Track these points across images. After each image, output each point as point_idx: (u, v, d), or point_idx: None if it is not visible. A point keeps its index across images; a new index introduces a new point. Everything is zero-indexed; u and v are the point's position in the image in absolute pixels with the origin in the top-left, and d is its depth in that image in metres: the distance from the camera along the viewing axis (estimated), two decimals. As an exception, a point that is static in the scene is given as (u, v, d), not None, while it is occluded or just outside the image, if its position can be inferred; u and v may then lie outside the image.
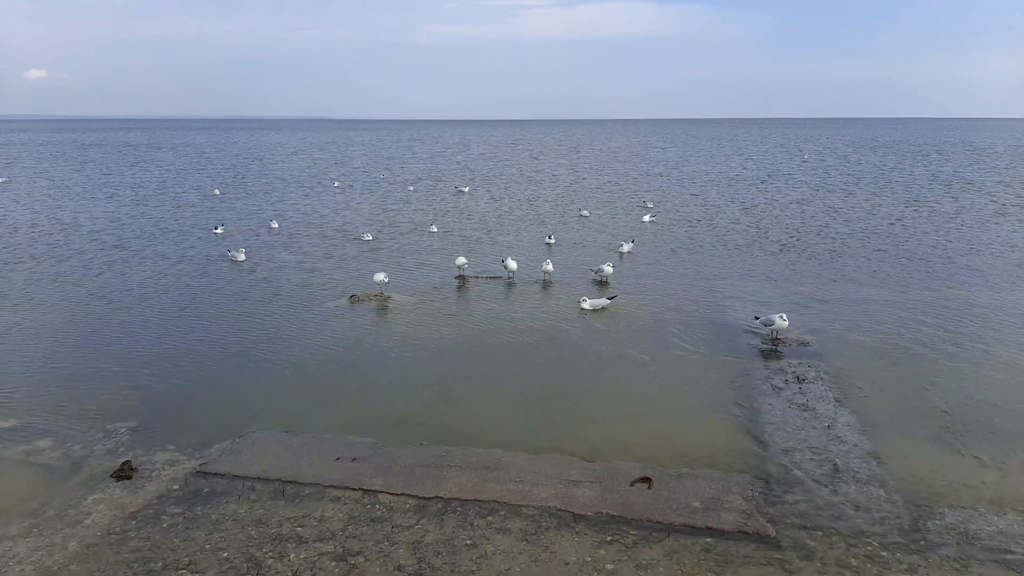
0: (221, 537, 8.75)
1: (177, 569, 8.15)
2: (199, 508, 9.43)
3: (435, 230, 31.18)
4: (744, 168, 66.69)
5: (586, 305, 18.49)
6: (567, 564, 8.16)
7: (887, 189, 47.26)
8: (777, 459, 10.66)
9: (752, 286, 21.56)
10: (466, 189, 49.06)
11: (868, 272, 23.33)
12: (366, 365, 15.15)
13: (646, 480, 9.95)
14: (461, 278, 22.59)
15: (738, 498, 9.49)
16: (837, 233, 30.63)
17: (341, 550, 8.44)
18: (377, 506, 9.42)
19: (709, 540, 8.60)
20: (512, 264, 22.19)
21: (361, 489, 9.81)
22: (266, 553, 8.41)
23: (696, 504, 9.35)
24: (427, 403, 13.09)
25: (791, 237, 29.76)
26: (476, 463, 10.53)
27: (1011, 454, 10.88)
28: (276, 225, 32.27)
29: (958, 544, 8.51)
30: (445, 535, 8.72)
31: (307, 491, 9.82)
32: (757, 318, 16.54)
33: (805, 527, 8.88)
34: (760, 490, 9.74)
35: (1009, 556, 8.29)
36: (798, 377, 13.91)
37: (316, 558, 8.30)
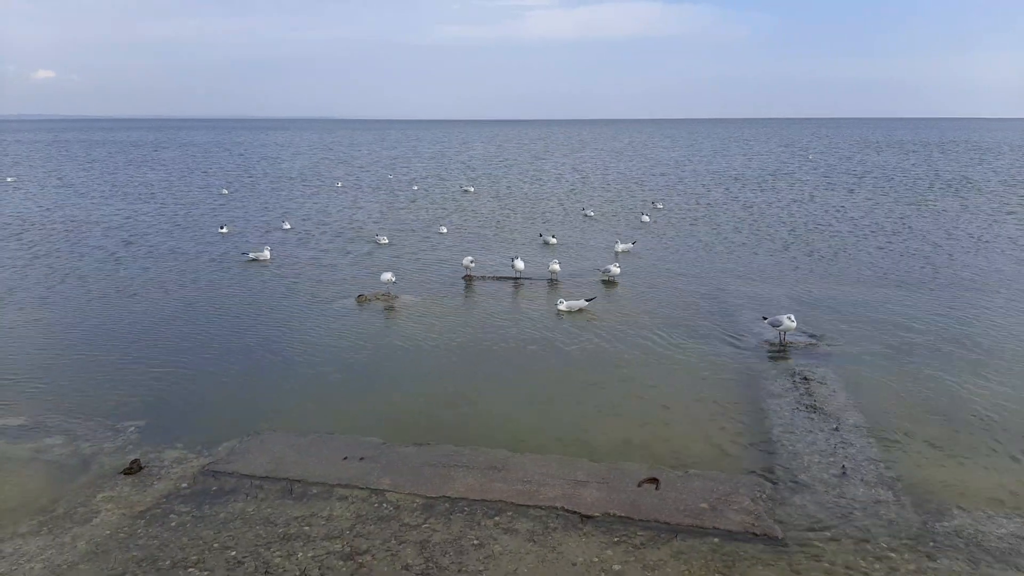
0: (229, 536, 8.78)
1: (185, 568, 8.17)
2: (207, 507, 9.46)
3: (444, 231, 31.10)
4: (748, 168, 66.57)
5: (562, 307, 18.33)
6: (574, 565, 8.16)
7: (892, 189, 47.12)
8: (785, 460, 10.64)
9: (759, 286, 21.52)
10: (471, 188, 49.16)
11: (875, 273, 23.26)
12: (373, 365, 15.18)
13: (653, 481, 9.94)
14: (468, 278, 22.60)
15: (746, 499, 9.48)
16: (843, 233, 30.54)
17: (349, 549, 8.46)
18: (384, 505, 9.43)
19: (717, 541, 8.59)
20: (520, 264, 22.19)
21: (369, 488, 9.83)
22: (274, 552, 8.44)
23: (703, 505, 9.33)
24: (434, 403, 13.11)
25: (797, 237, 29.69)
26: (483, 463, 10.53)
27: (1021, 456, 10.83)
28: (288, 226, 32.05)
29: (967, 546, 8.48)
30: (452, 535, 8.73)
31: (315, 490, 9.85)
32: (765, 319, 16.50)
33: (813, 528, 8.86)
34: (768, 491, 9.73)
35: (1019, 559, 8.25)
36: (806, 378, 13.87)
37: (324, 557, 8.32)
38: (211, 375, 14.54)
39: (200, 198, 44.80)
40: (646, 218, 34.58)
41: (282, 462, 10.64)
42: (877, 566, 8.11)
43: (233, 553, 8.43)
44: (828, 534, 8.73)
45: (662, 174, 62.13)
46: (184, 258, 26.23)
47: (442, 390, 13.73)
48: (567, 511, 9.21)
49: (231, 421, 12.24)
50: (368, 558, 8.29)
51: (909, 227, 32.08)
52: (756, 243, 28.66)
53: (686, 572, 8.01)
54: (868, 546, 8.47)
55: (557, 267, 22.15)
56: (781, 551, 8.38)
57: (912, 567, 8.09)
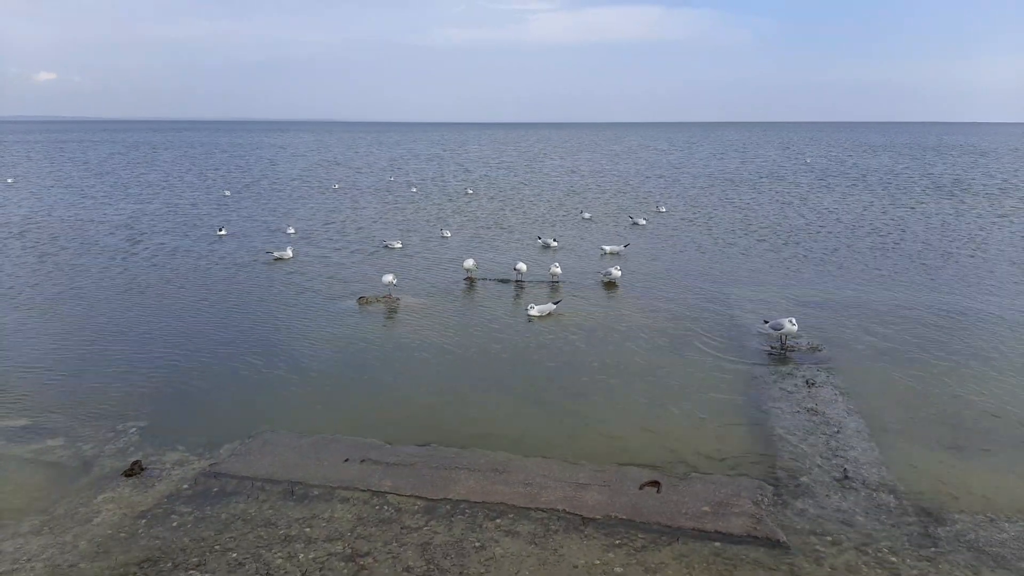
0: (230, 537, 8.78)
1: (186, 569, 8.17)
2: (208, 508, 9.46)
3: (448, 235, 31.02)
4: (746, 171, 66.59)
5: (534, 312, 18.24)
6: (576, 567, 8.15)
7: (889, 192, 47.13)
8: (787, 463, 10.63)
9: (760, 289, 21.51)
10: (471, 191, 49.25)
11: (877, 276, 23.25)
12: (375, 367, 15.18)
13: (655, 484, 9.94)
14: (469, 280, 22.61)
15: (747, 502, 9.47)
16: (842, 236, 30.53)
17: (350, 551, 8.46)
18: (386, 507, 9.43)
19: (718, 544, 8.58)
20: (521, 266, 22.22)
21: (370, 490, 9.83)
22: (275, 553, 8.43)
23: (705, 508, 9.33)
24: (435, 405, 13.11)
25: (797, 240, 29.68)
26: (485, 465, 10.53)
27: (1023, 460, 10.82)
28: (292, 230, 31.41)
29: (969, 550, 8.47)
30: (454, 537, 8.73)
31: (316, 492, 9.84)
32: (766, 322, 16.50)
33: (815, 532, 8.85)
34: (769, 494, 9.72)
35: (1022, 563, 8.24)
36: (807, 381, 13.87)
37: (325, 559, 8.31)
38: (212, 377, 14.54)
39: (201, 199, 44.84)
40: (642, 221, 34.63)
41: (283, 464, 10.64)
42: (879, 570, 8.10)
43: (234, 554, 8.42)
44: (830, 538, 8.72)
45: (660, 176, 62.35)
46: (184, 260, 26.24)
47: (443, 392, 13.73)
48: (568, 513, 9.21)
49: (232, 423, 12.24)
50: (369, 560, 8.29)
51: (908, 230, 32.08)
52: (756, 246, 28.66)
53: (687, 575, 8.00)
54: (870, 550, 8.46)
55: (558, 269, 22.16)
56: (783, 555, 8.37)
57: (914, 571, 8.08)
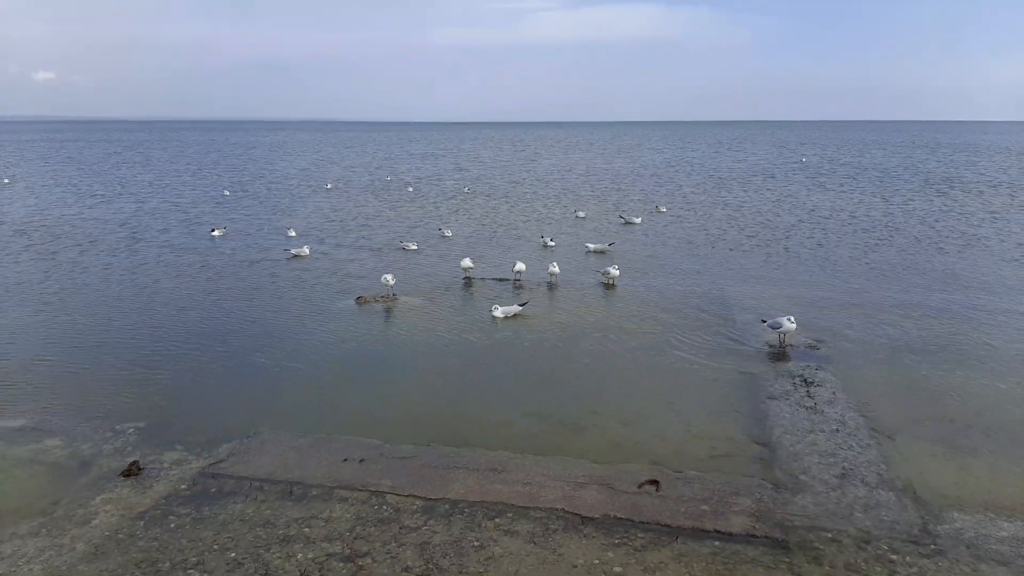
0: (229, 537, 8.76)
1: (185, 569, 8.15)
2: (207, 508, 9.44)
3: (449, 234, 30.94)
4: (744, 171, 66.61)
5: (498, 313, 18.04)
6: (575, 567, 8.14)
7: (888, 190, 47.16)
8: (785, 462, 10.62)
9: (758, 288, 21.50)
10: (467, 190, 49.38)
11: (876, 274, 23.25)
12: (373, 366, 15.17)
13: (654, 483, 9.93)
14: (467, 279, 22.59)
15: (747, 501, 9.46)
16: (841, 234, 30.54)
17: (349, 551, 8.44)
18: (384, 507, 9.42)
19: (717, 543, 8.57)
20: (520, 266, 22.21)
21: (368, 490, 9.81)
22: (274, 554, 8.42)
23: (704, 507, 9.32)
24: (434, 404, 13.09)
25: (795, 239, 29.69)
26: (483, 465, 10.52)
27: (1022, 458, 10.80)
28: (294, 233, 30.76)
29: (968, 548, 8.46)
30: (453, 536, 8.71)
31: (315, 492, 9.83)
32: (764, 321, 16.48)
33: (814, 530, 8.84)
34: (769, 493, 9.71)
35: (1021, 562, 8.23)
36: (806, 380, 13.86)
37: (324, 559, 8.30)
38: (210, 377, 14.53)
39: (200, 199, 44.82)
40: (637, 220, 34.66)
41: (282, 464, 10.62)
42: (878, 568, 8.09)
43: (233, 555, 8.41)
44: (829, 536, 8.71)
45: (654, 175, 62.41)
46: (182, 260, 26.22)
47: (442, 392, 13.72)
48: (568, 513, 9.20)
49: (230, 423, 12.22)
50: (368, 560, 8.27)
51: (906, 228, 32.10)
52: (754, 245, 28.66)
53: (687, 574, 7.99)
54: (869, 548, 8.46)
55: (556, 269, 22.14)
56: (782, 553, 8.36)
57: (913, 569, 8.08)
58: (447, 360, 15.50)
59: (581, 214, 36.96)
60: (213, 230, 31.36)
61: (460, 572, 8.05)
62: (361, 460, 10.68)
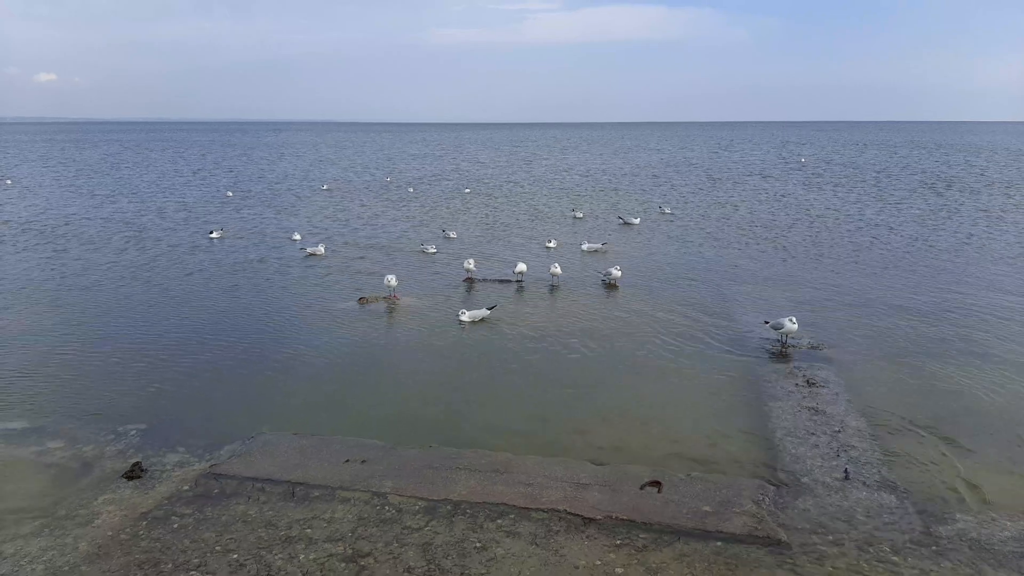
0: (231, 538, 8.77)
1: (187, 570, 8.16)
2: (209, 509, 9.45)
3: (453, 236, 30.77)
4: (743, 171, 66.61)
5: (464, 317, 17.79)
6: (577, 568, 8.14)
7: (887, 190, 47.14)
8: (787, 463, 10.62)
9: (759, 288, 21.50)
10: (467, 190, 49.65)
11: (877, 274, 23.24)
12: (375, 367, 15.18)
13: (656, 484, 9.92)
14: (469, 280, 22.60)
15: (748, 502, 9.46)
16: (843, 235, 30.54)
17: (351, 551, 8.45)
18: (387, 508, 9.42)
19: (719, 544, 8.57)
20: (521, 267, 22.23)
21: (371, 491, 9.81)
22: (276, 554, 8.42)
23: (706, 508, 9.32)
24: (436, 405, 13.10)
25: (796, 240, 29.68)
26: (485, 465, 10.52)
27: None
28: (298, 237, 30.15)
29: (970, 549, 8.46)
30: (455, 537, 8.72)
31: (317, 493, 9.83)
32: (767, 322, 16.48)
33: (816, 531, 8.84)
34: (771, 494, 9.71)
35: (1023, 562, 8.23)
36: (808, 381, 13.86)
37: (326, 559, 8.31)
38: (212, 378, 14.54)
39: (203, 200, 44.84)
40: (636, 220, 34.67)
41: (284, 465, 10.62)
42: (880, 569, 8.09)
43: (235, 555, 8.41)
44: (831, 537, 8.71)
45: (652, 175, 62.53)
46: (185, 261, 26.24)
47: (443, 392, 13.72)
48: (570, 514, 9.20)
49: (232, 424, 12.24)
50: (370, 561, 8.28)
51: (907, 229, 32.09)
52: (754, 245, 28.67)
53: (689, 575, 7.99)
54: (871, 549, 8.46)
55: (558, 270, 22.15)
56: (784, 555, 8.36)
57: (915, 571, 8.07)
58: (448, 361, 15.50)
59: (578, 215, 37.04)
60: (211, 232, 31.30)
61: (462, 573, 8.05)
62: (363, 461, 10.69)
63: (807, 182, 54.88)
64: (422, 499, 9.60)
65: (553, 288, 21.77)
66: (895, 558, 8.30)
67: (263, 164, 79.48)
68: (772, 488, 9.88)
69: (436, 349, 16.24)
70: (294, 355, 15.76)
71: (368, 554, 8.40)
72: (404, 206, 42.25)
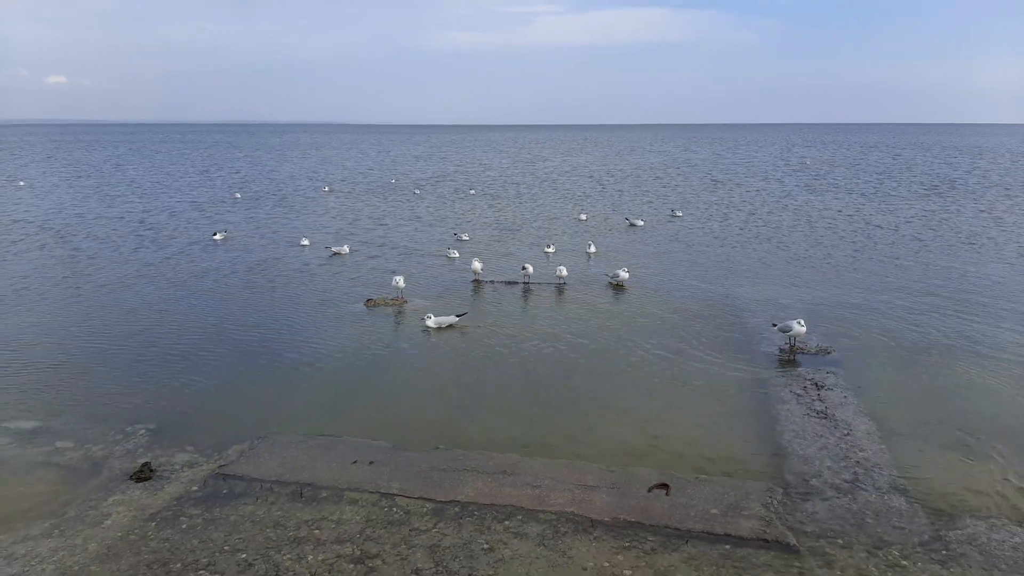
0: (239, 539, 8.79)
1: (196, 570, 8.18)
2: (218, 510, 9.47)
3: (466, 238, 30.65)
4: (749, 173, 66.51)
5: (430, 323, 17.60)
6: (585, 569, 8.13)
7: (892, 193, 46.97)
8: (796, 466, 10.59)
9: (767, 291, 21.44)
10: (472, 191, 50.00)
11: (886, 277, 23.15)
12: (382, 369, 15.19)
13: (664, 486, 9.91)
14: (477, 282, 22.62)
15: (757, 505, 9.43)
16: (851, 238, 30.44)
17: (359, 552, 8.46)
18: (394, 509, 9.43)
19: (728, 547, 8.55)
20: (528, 268, 22.28)
21: (378, 492, 9.83)
22: (284, 555, 8.44)
23: (714, 511, 9.29)
24: (443, 407, 13.11)
25: (804, 242, 29.61)
26: (493, 467, 10.52)
27: (1034, 463, 10.75)
28: (307, 242, 29.67)
29: (980, 554, 8.41)
30: (463, 539, 8.72)
31: (324, 494, 9.85)
32: (774, 325, 16.44)
33: (825, 535, 8.81)
34: (779, 497, 9.68)
35: (1033, 567, 8.19)
36: (816, 384, 13.81)
37: (334, 560, 8.32)
38: (221, 379, 14.58)
39: (212, 202, 45.01)
40: (640, 223, 34.68)
41: (292, 465, 10.65)
42: (889, 574, 8.05)
43: (243, 556, 8.44)
44: (840, 541, 8.68)
45: (657, 177, 62.49)
46: (193, 262, 26.34)
47: (451, 394, 13.73)
48: (577, 516, 9.19)
49: (241, 424, 12.27)
50: (378, 562, 8.29)
51: (916, 231, 31.96)
52: (762, 247, 28.61)
53: (697, 578, 7.98)
54: (880, 553, 8.42)
55: (565, 272, 22.15)
56: (792, 558, 8.33)
57: (925, 575, 8.03)
58: (455, 362, 15.51)
59: (583, 216, 37.09)
60: (215, 234, 31.37)
61: (470, 574, 8.05)
62: (371, 462, 10.70)
63: (810, 184, 54.84)
64: (430, 500, 9.61)
65: (560, 290, 21.76)
66: (904, 562, 8.26)
67: (269, 166, 79.81)
68: (780, 491, 9.85)
69: (443, 351, 16.26)
70: (302, 356, 15.80)
71: (376, 555, 8.41)
72: (411, 208, 42.32)
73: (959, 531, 8.91)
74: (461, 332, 17.51)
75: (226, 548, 8.60)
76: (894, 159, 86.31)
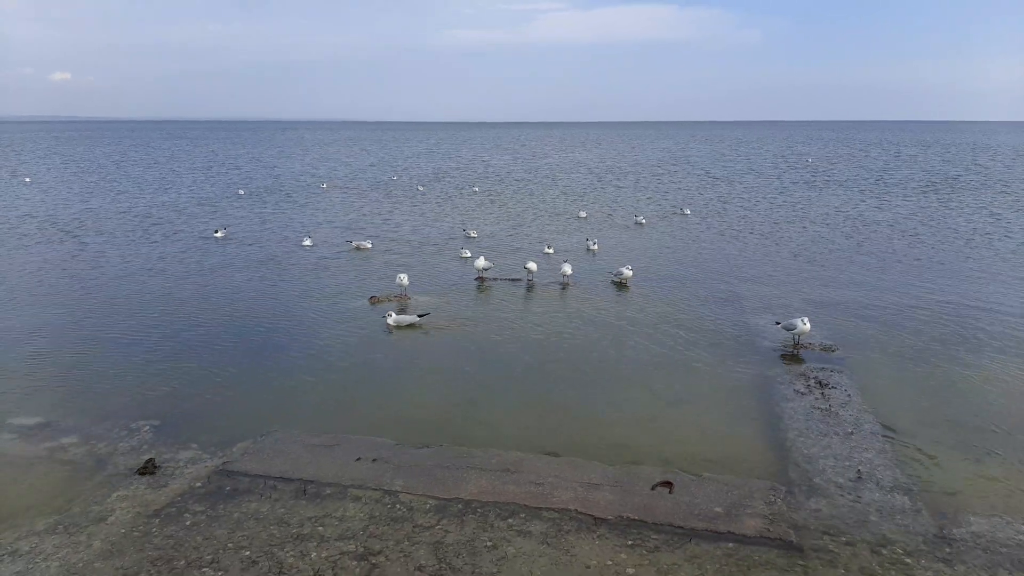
0: (243, 535, 8.81)
1: (200, 567, 8.20)
2: (222, 506, 9.49)
3: (474, 234, 30.53)
4: (752, 170, 66.36)
5: (391, 321, 17.50)
6: (588, 567, 8.13)
7: (902, 192, 46.82)
8: (799, 465, 10.57)
9: (771, 289, 21.41)
10: (475, 189, 49.95)
11: (889, 274, 23.09)
12: (386, 366, 15.20)
13: (667, 484, 9.90)
14: (481, 279, 22.61)
15: (760, 503, 9.42)
16: (855, 235, 30.36)
17: (362, 549, 8.47)
18: (398, 506, 9.44)
19: (731, 545, 8.54)
20: (532, 266, 22.23)
21: (382, 489, 9.84)
22: (288, 552, 8.46)
23: (718, 509, 9.29)
24: (446, 404, 13.11)
25: (808, 240, 29.54)
26: (496, 465, 10.52)
27: (1038, 462, 10.72)
28: (309, 242, 29.15)
29: (985, 552, 8.39)
30: (466, 536, 8.73)
31: (328, 491, 9.86)
32: (778, 323, 16.40)
33: (828, 533, 8.80)
34: (782, 496, 9.66)
35: (1038, 566, 8.16)
36: (820, 382, 13.78)
37: (337, 557, 8.33)
38: (225, 376, 14.59)
39: (215, 198, 45.07)
40: (642, 220, 34.66)
41: (295, 462, 10.67)
42: (893, 572, 8.04)
43: (247, 552, 8.45)
44: (844, 539, 8.66)
45: (659, 175, 62.24)
46: (197, 258, 26.36)
47: (454, 391, 13.74)
48: (580, 514, 9.19)
49: (245, 421, 12.28)
50: (381, 559, 8.30)
51: (919, 229, 31.86)
52: (765, 245, 28.55)
53: (700, 576, 7.97)
54: (884, 551, 8.40)
55: (569, 270, 22.13)
56: (796, 556, 8.32)
57: (929, 573, 8.02)
58: (458, 360, 15.51)
59: (583, 214, 37.10)
60: (216, 231, 31.37)
61: (473, 572, 8.06)
62: (374, 459, 10.71)
63: (813, 181, 54.75)
64: (433, 498, 9.61)
65: (564, 287, 21.75)
66: (908, 560, 8.24)
67: (273, 162, 79.84)
68: (784, 489, 9.84)
69: (446, 348, 16.26)
70: (305, 354, 15.82)
71: (379, 552, 8.42)
72: (415, 204, 42.32)
73: (963, 529, 8.89)
74: (461, 330, 17.50)
75: (230, 545, 8.62)
76: (900, 156, 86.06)
